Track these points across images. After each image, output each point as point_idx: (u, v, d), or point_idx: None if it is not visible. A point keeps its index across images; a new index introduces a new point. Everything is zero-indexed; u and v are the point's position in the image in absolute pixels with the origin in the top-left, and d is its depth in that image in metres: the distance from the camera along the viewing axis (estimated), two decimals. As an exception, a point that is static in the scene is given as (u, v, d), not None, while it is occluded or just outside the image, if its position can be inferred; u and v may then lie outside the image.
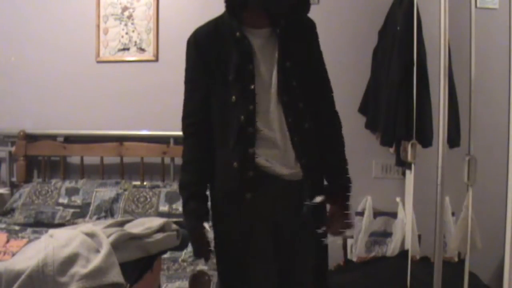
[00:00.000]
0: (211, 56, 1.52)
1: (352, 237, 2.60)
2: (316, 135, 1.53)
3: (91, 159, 2.90)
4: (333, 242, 1.59)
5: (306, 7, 1.51)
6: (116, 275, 1.05)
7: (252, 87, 1.38)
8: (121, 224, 1.27)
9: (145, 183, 2.77)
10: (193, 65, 1.63)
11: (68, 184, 2.69)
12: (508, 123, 1.30)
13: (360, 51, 2.60)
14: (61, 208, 2.56)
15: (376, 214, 2.58)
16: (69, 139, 2.91)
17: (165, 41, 2.92)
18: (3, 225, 2.42)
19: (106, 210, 2.52)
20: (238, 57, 1.42)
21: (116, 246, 1.13)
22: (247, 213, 1.33)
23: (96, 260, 1.05)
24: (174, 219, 1.59)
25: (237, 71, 1.41)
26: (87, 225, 1.24)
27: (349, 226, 1.56)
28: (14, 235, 2.25)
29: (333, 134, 1.65)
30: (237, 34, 1.44)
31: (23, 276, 0.99)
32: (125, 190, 2.62)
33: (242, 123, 1.35)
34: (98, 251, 1.09)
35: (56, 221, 2.49)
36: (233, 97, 1.38)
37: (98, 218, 2.46)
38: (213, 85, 1.48)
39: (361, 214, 2.59)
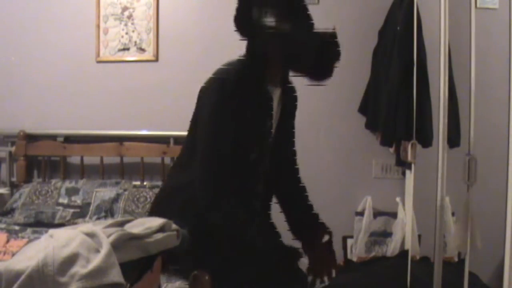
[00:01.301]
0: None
1: (352, 237, 2.60)
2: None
3: (91, 159, 2.90)
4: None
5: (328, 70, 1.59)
6: (116, 275, 1.05)
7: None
8: (121, 224, 1.27)
9: (145, 183, 2.77)
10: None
11: (68, 184, 2.69)
12: (508, 123, 1.30)
13: (360, 51, 2.60)
14: (61, 208, 2.56)
15: (376, 214, 2.58)
16: (69, 139, 2.92)
17: (165, 41, 2.92)
18: (3, 225, 2.42)
19: (106, 210, 2.52)
20: (264, 115, 1.53)
21: (116, 246, 1.13)
22: None
23: (96, 260, 1.05)
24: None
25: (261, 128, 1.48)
26: (87, 225, 1.23)
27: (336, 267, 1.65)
28: (14, 235, 2.25)
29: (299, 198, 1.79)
30: (266, 93, 1.55)
31: (23, 276, 0.99)
32: (125, 190, 2.62)
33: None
34: (98, 251, 1.09)
35: (56, 221, 2.49)
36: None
37: (98, 218, 2.46)
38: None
39: (361, 214, 2.59)
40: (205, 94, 1.56)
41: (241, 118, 1.47)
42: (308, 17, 1.54)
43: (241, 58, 1.60)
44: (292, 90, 1.67)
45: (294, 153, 1.82)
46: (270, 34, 1.49)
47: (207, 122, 1.50)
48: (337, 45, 1.57)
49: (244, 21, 1.56)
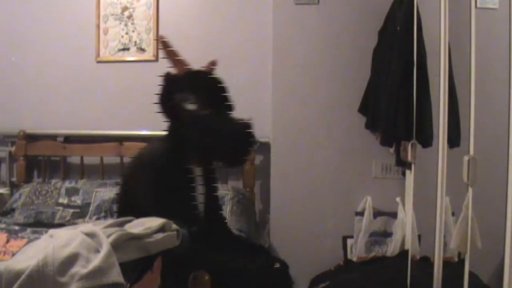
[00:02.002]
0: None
1: (352, 237, 2.60)
2: None
3: (91, 159, 2.90)
4: None
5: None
6: (116, 275, 1.05)
7: None
8: (121, 224, 1.27)
9: (145, 183, 2.77)
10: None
11: (68, 184, 2.69)
12: (508, 123, 1.30)
13: (360, 51, 2.60)
14: (61, 208, 2.56)
15: (376, 214, 2.58)
16: (69, 139, 2.92)
17: (165, 41, 2.92)
18: (3, 225, 2.42)
19: (106, 210, 2.52)
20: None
21: (116, 246, 1.13)
22: None
23: (96, 260, 1.05)
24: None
25: None
26: (87, 225, 1.23)
27: None
28: (14, 235, 2.25)
29: None
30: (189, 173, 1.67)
31: (23, 276, 0.99)
32: (125, 190, 2.61)
33: None
34: (98, 251, 1.09)
35: (56, 221, 2.49)
36: None
37: (98, 218, 2.46)
38: None
39: (361, 214, 2.59)
40: (137, 179, 1.65)
41: (170, 190, 1.58)
42: (229, 106, 1.67)
43: (161, 140, 1.70)
44: (212, 171, 1.77)
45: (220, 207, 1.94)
46: (189, 118, 1.58)
47: (148, 203, 1.58)
48: (251, 136, 1.68)
49: (167, 103, 1.62)
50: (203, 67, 1.73)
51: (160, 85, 1.67)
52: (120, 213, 1.62)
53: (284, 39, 2.68)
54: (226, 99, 1.68)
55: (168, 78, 1.66)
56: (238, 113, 3.01)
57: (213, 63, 1.76)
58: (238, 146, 1.66)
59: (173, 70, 1.67)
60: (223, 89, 1.68)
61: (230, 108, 1.67)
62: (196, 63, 3.06)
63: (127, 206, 1.66)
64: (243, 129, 1.67)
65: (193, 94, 1.61)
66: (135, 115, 2.94)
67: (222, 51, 2.92)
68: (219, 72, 3.07)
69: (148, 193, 1.60)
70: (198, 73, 1.70)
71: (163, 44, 1.70)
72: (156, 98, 1.67)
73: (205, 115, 1.59)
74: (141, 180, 1.64)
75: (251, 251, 1.82)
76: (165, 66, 3.08)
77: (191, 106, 1.58)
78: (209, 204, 1.76)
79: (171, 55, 1.69)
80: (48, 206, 2.56)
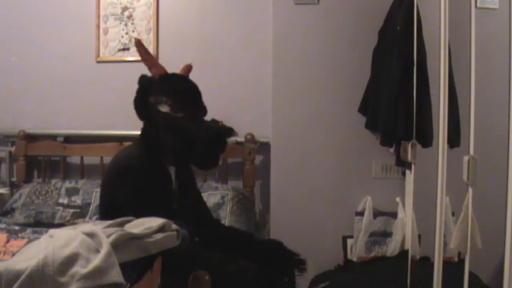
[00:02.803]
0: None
1: (352, 237, 2.60)
2: None
3: (91, 159, 2.90)
4: None
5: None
6: (116, 275, 1.05)
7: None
8: (121, 224, 1.27)
9: (145, 183, 2.77)
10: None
11: (68, 184, 2.69)
12: (508, 123, 1.30)
13: (360, 51, 2.60)
14: (61, 208, 2.56)
15: (376, 214, 2.58)
16: (69, 139, 2.92)
17: (165, 41, 2.93)
18: (3, 225, 2.42)
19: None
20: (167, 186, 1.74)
21: (116, 246, 1.13)
22: None
23: (96, 260, 1.05)
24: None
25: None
26: (87, 225, 1.24)
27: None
28: (14, 235, 2.25)
29: None
30: (165, 171, 1.74)
31: (23, 276, 0.99)
32: (125, 190, 2.61)
33: None
34: (98, 251, 1.09)
35: (56, 221, 2.49)
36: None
37: (98, 218, 2.46)
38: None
39: (361, 214, 2.59)
40: (118, 183, 1.69)
41: (151, 191, 1.63)
42: (202, 109, 1.74)
43: (137, 144, 1.76)
44: (188, 169, 1.85)
45: (199, 193, 2.05)
46: (163, 121, 1.63)
47: (129, 205, 1.61)
48: (224, 138, 1.74)
49: (141, 106, 1.68)
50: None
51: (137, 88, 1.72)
52: (103, 218, 1.64)
53: (284, 39, 2.68)
54: (199, 102, 1.74)
55: (144, 81, 1.71)
56: (238, 113, 3.02)
57: (188, 68, 1.85)
58: (210, 148, 1.70)
59: (149, 73, 1.74)
60: (197, 93, 1.74)
61: (203, 111, 1.74)
62: (197, 63, 3.08)
63: (109, 210, 1.69)
64: (215, 132, 1.71)
65: (167, 97, 1.64)
66: (135, 115, 2.93)
67: (222, 51, 2.92)
68: (219, 73, 3.09)
69: (127, 195, 1.63)
70: (173, 76, 1.75)
71: (140, 48, 1.76)
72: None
73: (178, 117, 1.63)
74: (119, 184, 1.67)
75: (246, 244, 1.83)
76: (165, 66, 3.08)
77: (165, 109, 1.62)
78: (191, 204, 1.79)
79: (147, 58, 1.74)
80: (48, 206, 2.56)
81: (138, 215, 1.35)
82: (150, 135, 1.68)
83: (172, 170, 1.78)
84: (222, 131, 1.74)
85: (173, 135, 1.63)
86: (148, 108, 1.65)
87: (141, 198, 1.61)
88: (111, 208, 1.68)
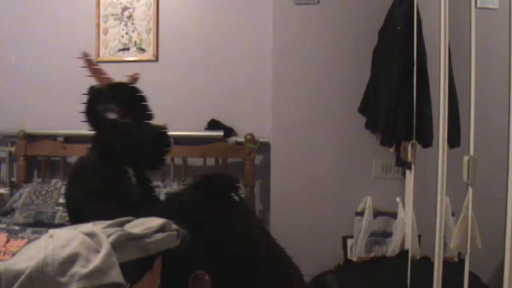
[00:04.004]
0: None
1: (352, 237, 2.60)
2: None
3: (91, 159, 2.89)
4: None
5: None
6: (116, 275, 1.05)
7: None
8: (121, 224, 1.27)
9: (145, 183, 2.77)
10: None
11: (68, 184, 2.69)
12: (508, 123, 1.30)
13: (360, 51, 2.60)
14: (61, 208, 2.56)
15: (376, 214, 2.57)
16: (69, 139, 2.92)
17: (165, 41, 2.93)
18: (3, 225, 2.42)
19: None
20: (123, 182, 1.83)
21: (116, 246, 1.13)
22: None
23: (96, 260, 1.05)
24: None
25: None
26: (87, 225, 1.23)
27: None
28: (14, 235, 2.25)
29: None
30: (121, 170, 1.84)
31: (23, 276, 0.99)
32: (125, 190, 2.62)
33: None
34: (98, 251, 1.09)
35: (56, 221, 2.49)
36: None
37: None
38: None
39: (361, 214, 2.59)
40: (72, 182, 1.81)
41: (101, 185, 1.72)
42: (148, 114, 1.85)
43: (89, 150, 1.87)
44: (143, 171, 1.94)
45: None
46: (110, 127, 1.75)
47: (86, 204, 1.69)
48: (168, 140, 1.91)
49: (91, 114, 1.77)
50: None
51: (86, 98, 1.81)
52: (72, 222, 1.69)
53: (284, 39, 2.68)
54: (145, 108, 1.85)
55: (92, 91, 1.82)
56: (238, 113, 3.02)
57: (134, 77, 1.93)
58: (155, 150, 1.86)
59: (97, 84, 1.85)
60: (142, 99, 1.85)
61: (149, 116, 1.85)
62: (197, 63, 3.08)
63: (71, 212, 1.77)
64: (160, 135, 1.88)
65: (114, 105, 1.77)
66: (135, 115, 2.94)
67: (222, 51, 2.92)
68: (219, 73, 3.09)
69: (80, 198, 1.72)
70: (119, 85, 1.86)
71: (86, 61, 1.85)
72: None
73: (125, 123, 1.76)
74: (73, 182, 1.79)
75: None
76: (165, 66, 3.10)
77: (112, 116, 1.75)
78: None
79: (94, 70, 1.85)
80: (48, 206, 2.56)
81: (90, 209, 1.49)
82: (101, 141, 1.80)
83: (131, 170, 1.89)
84: (164, 133, 1.91)
85: (121, 139, 1.76)
86: (98, 116, 1.77)
87: (92, 192, 1.70)
88: (73, 211, 1.77)
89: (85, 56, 1.86)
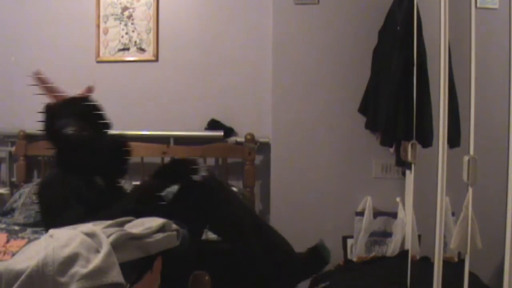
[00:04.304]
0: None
1: (352, 237, 2.60)
2: None
3: (91, 159, 2.89)
4: None
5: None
6: (116, 275, 1.05)
7: None
8: (121, 224, 1.27)
9: (145, 183, 2.77)
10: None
11: (68, 184, 2.69)
12: (508, 123, 1.30)
13: (360, 51, 2.60)
14: (61, 208, 2.55)
15: (376, 214, 2.57)
16: (69, 139, 2.91)
17: (165, 41, 2.93)
18: (3, 225, 2.42)
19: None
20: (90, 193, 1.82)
21: (116, 246, 1.13)
22: None
23: (96, 260, 1.05)
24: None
25: None
26: (87, 225, 1.23)
27: None
28: (14, 235, 2.25)
29: None
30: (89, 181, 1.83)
31: (23, 276, 0.99)
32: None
33: None
34: (98, 251, 1.09)
35: (56, 221, 2.48)
36: None
37: (98, 218, 2.46)
38: None
39: (361, 214, 2.59)
40: (36, 198, 1.82)
41: (64, 197, 1.72)
42: (105, 125, 1.87)
43: (53, 168, 1.89)
44: (111, 178, 1.95)
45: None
46: (70, 141, 1.75)
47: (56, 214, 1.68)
48: (127, 148, 1.92)
49: (50, 132, 1.79)
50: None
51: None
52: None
53: (284, 39, 2.68)
54: (101, 118, 1.87)
55: (48, 109, 1.85)
56: (238, 113, 3.03)
57: (89, 89, 1.98)
58: (116, 159, 1.88)
59: (51, 102, 1.89)
60: (97, 110, 1.88)
61: (106, 125, 1.87)
62: (197, 63, 3.08)
63: (43, 223, 1.79)
64: (119, 144, 1.90)
65: (71, 119, 1.78)
66: (135, 115, 2.94)
67: (222, 51, 2.92)
68: (219, 72, 3.08)
69: (46, 211, 1.73)
70: (73, 99, 1.90)
71: (38, 79, 1.85)
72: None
73: (84, 136, 1.77)
74: (37, 198, 1.80)
75: None
76: (165, 66, 3.10)
77: (70, 130, 1.74)
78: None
79: (47, 88, 1.89)
80: (48, 206, 2.56)
81: (60, 218, 1.48)
82: (63, 157, 1.80)
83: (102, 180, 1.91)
84: (123, 141, 1.94)
85: (82, 152, 1.76)
86: (57, 133, 1.77)
87: (59, 202, 1.71)
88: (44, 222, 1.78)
89: (36, 74, 1.89)
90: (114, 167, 1.89)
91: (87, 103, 1.89)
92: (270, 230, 1.96)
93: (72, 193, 1.71)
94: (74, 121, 1.77)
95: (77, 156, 1.75)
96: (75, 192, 1.72)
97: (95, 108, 1.88)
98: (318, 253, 1.93)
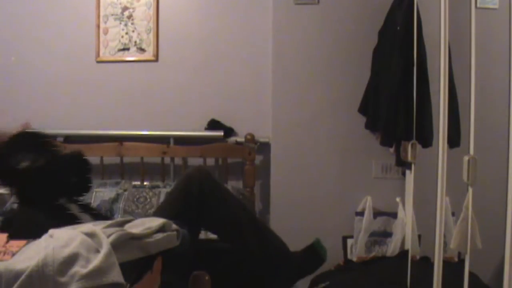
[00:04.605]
0: None
1: (352, 237, 2.60)
2: None
3: (91, 159, 2.87)
4: None
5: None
6: (116, 275, 1.05)
7: None
8: (121, 224, 1.27)
9: (145, 183, 2.77)
10: None
11: (68, 184, 2.69)
12: (508, 123, 1.30)
13: (360, 51, 2.60)
14: (61, 208, 2.55)
15: (376, 214, 2.57)
16: (69, 139, 2.91)
17: (165, 41, 2.93)
18: (3, 225, 2.41)
19: (106, 210, 2.51)
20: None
21: (116, 246, 1.13)
22: None
23: (96, 260, 1.05)
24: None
25: None
26: (87, 225, 1.23)
27: None
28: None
29: None
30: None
31: (23, 276, 0.99)
32: (125, 190, 2.62)
33: None
34: (98, 251, 1.09)
35: (56, 221, 2.48)
36: None
37: (98, 218, 2.46)
38: None
39: (361, 214, 2.59)
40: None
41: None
42: (55, 150, 1.82)
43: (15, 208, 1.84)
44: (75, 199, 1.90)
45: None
46: (29, 175, 1.68)
47: None
48: (86, 162, 1.87)
49: (3, 173, 1.71)
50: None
51: None
52: None
53: (284, 39, 2.68)
54: (50, 145, 1.83)
55: None
56: (238, 113, 3.02)
57: (26, 125, 1.99)
58: (78, 176, 1.83)
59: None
60: (42, 138, 1.84)
61: (56, 151, 1.82)
62: (197, 63, 3.08)
63: None
64: (76, 160, 1.85)
65: (20, 155, 1.73)
66: (135, 115, 2.94)
67: (222, 51, 2.92)
68: (219, 72, 3.08)
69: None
70: (16, 135, 1.86)
71: None
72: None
73: (40, 165, 1.71)
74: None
75: None
76: (165, 66, 3.10)
77: (25, 165, 1.69)
78: None
79: None
80: (48, 206, 2.56)
81: None
82: (24, 193, 1.74)
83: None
84: (82, 160, 1.88)
85: (42, 182, 1.71)
86: (11, 172, 1.71)
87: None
88: None
89: None
90: (78, 185, 1.85)
91: (30, 134, 1.87)
92: (266, 228, 1.96)
93: (39, 228, 1.70)
94: (23, 156, 1.73)
95: (40, 187, 1.71)
96: (42, 226, 1.70)
97: (38, 136, 1.85)
98: (314, 252, 1.93)
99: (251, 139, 2.76)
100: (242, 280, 1.78)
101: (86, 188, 1.88)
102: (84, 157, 1.88)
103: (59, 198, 1.80)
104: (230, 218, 1.83)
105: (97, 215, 1.84)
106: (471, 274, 1.60)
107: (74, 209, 1.82)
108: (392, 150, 2.50)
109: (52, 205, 1.76)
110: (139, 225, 1.27)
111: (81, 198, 1.89)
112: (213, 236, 1.95)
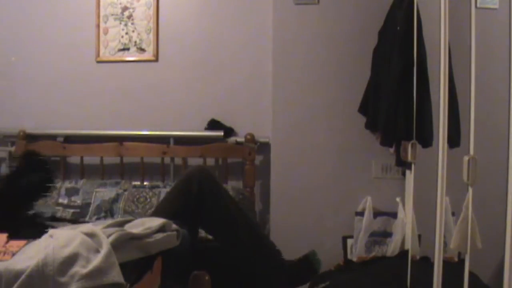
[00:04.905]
0: None
1: (352, 237, 2.60)
2: None
3: (91, 159, 2.90)
4: None
5: None
6: (116, 275, 1.05)
7: None
8: (121, 224, 1.27)
9: (145, 183, 2.77)
10: None
11: (68, 184, 2.69)
12: (508, 123, 1.30)
13: (360, 51, 2.60)
14: (61, 208, 2.56)
15: (376, 214, 2.57)
16: (69, 139, 2.92)
17: (165, 41, 2.93)
18: (3, 225, 2.41)
19: (106, 210, 2.52)
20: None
21: (116, 246, 1.13)
22: None
23: (96, 260, 1.05)
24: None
25: None
26: (87, 225, 1.23)
27: None
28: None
29: None
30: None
31: (23, 276, 0.99)
32: (125, 190, 2.62)
33: None
34: (98, 251, 1.09)
35: (56, 221, 2.49)
36: None
37: (98, 218, 2.46)
38: None
39: (361, 214, 2.58)
40: None
41: None
42: (46, 168, 1.78)
43: None
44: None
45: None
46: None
47: None
48: (43, 161, 1.78)
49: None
50: None
51: None
52: None
53: (284, 39, 2.68)
54: (39, 161, 1.78)
55: None
56: (238, 113, 3.02)
57: None
58: (41, 184, 1.79)
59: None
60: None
61: (47, 169, 1.77)
62: (197, 63, 3.08)
63: None
64: (37, 166, 1.78)
65: None
66: (135, 115, 2.94)
67: (222, 51, 2.92)
68: (219, 72, 3.08)
69: None
70: None
71: None
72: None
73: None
74: None
75: None
76: (165, 66, 3.11)
77: None
78: None
79: None
80: (48, 206, 2.56)
81: None
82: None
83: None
84: (41, 161, 1.80)
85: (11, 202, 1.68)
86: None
87: None
88: None
89: None
90: (39, 189, 1.81)
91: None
92: (261, 233, 1.96)
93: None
94: None
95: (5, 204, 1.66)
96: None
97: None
98: (308, 263, 1.93)
99: (251, 139, 2.76)
100: (240, 280, 1.78)
101: (47, 188, 1.83)
102: (45, 160, 1.79)
103: (25, 207, 1.77)
104: (226, 218, 1.83)
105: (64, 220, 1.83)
106: (471, 274, 1.60)
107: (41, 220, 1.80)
108: (392, 150, 2.50)
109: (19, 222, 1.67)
110: (139, 225, 1.27)
111: (46, 196, 1.86)
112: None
